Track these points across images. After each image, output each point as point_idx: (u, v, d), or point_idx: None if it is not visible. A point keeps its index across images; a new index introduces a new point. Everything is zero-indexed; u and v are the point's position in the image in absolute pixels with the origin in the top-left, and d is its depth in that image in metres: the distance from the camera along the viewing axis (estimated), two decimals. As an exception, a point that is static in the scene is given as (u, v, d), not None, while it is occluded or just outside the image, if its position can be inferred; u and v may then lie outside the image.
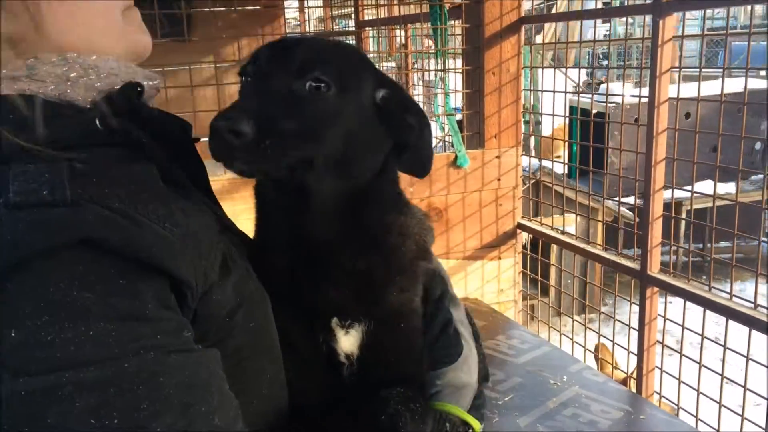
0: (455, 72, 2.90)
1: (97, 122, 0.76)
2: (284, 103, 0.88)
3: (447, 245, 2.90)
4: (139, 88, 0.83)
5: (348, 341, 0.99)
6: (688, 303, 2.19)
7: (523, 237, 3.10)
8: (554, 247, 4.10)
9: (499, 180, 2.91)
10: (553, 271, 4.05)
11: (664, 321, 2.34)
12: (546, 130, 5.35)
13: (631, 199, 3.19)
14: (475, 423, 1.05)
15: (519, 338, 2.48)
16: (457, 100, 3.05)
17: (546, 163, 4.23)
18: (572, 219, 4.40)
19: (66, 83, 0.75)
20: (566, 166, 5.77)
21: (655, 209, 2.22)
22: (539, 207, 3.44)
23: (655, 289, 2.29)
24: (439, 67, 2.81)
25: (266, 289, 0.92)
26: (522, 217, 3.01)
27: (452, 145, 2.83)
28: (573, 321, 3.06)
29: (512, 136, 2.89)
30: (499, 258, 2.99)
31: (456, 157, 2.81)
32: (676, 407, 2.29)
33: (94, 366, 0.63)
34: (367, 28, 4.80)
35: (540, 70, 4.10)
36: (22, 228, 0.63)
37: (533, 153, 6.48)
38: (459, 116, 2.97)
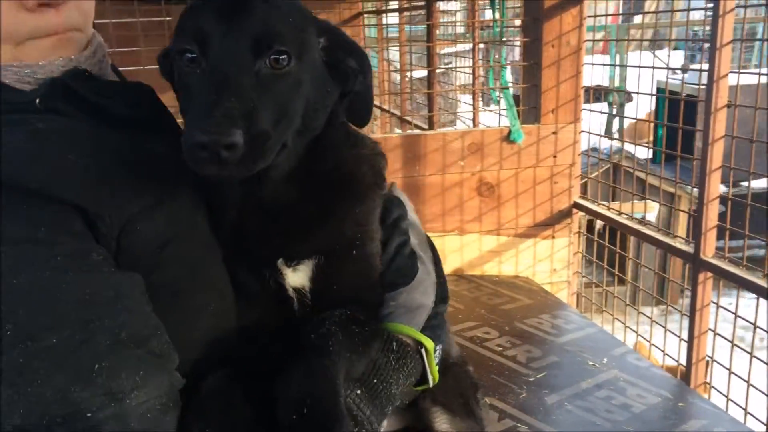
0: (512, 45, 2.82)
1: (37, 102, 0.86)
2: (255, 92, 0.82)
3: (498, 221, 2.85)
4: (86, 73, 0.92)
5: (296, 277, 0.99)
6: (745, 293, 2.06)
7: (598, 224, 2.99)
8: (632, 238, 3.94)
9: (555, 157, 2.82)
10: (630, 262, 3.89)
11: (717, 310, 2.22)
12: (636, 113, 5.13)
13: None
14: (427, 341, 1.02)
15: (564, 318, 2.42)
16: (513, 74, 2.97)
17: (628, 147, 4.05)
18: (653, 206, 4.20)
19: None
20: (651, 151, 5.51)
21: (710, 191, 2.10)
22: (617, 192, 3.29)
23: (708, 274, 2.17)
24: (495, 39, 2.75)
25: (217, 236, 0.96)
26: (580, 196, 2.91)
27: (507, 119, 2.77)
28: (638, 313, 2.92)
29: (570, 111, 2.79)
30: (553, 237, 2.90)
31: (509, 132, 2.75)
32: (726, 399, 2.17)
33: None
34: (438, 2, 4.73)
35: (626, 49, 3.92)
36: None
37: (616, 136, 6.24)
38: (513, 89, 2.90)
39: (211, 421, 0.82)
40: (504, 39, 2.73)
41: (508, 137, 2.76)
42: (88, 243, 0.79)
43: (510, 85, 2.83)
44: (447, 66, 4.82)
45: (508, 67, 2.80)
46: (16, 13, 0.84)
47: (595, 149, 4.10)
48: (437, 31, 4.58)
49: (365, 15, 5.55)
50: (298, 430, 0.79)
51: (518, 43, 2.75)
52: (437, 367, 1.06)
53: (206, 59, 0.85)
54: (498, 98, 2.84)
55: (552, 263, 2.93)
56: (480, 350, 2.13)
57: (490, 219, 2.84)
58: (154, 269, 0.86)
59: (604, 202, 2.97)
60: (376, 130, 5.25)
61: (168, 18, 4.80)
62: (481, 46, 4.10)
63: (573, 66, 2.75)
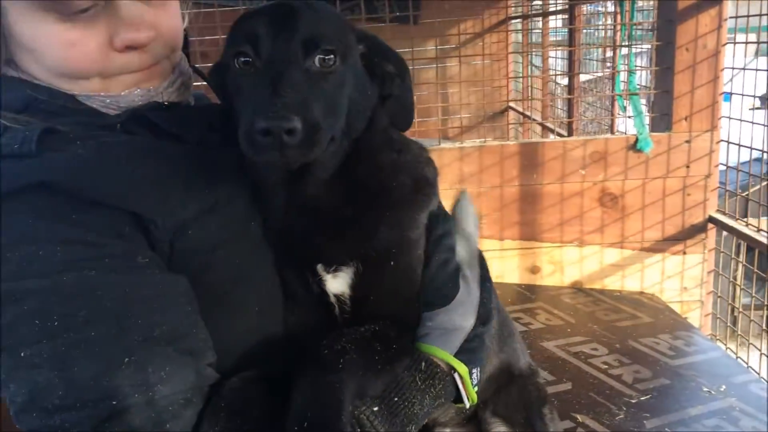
0: (640, 48, 2.69)
1: (118, 126, 0.98)
2: (307, 87, 0.88)
3: (622, 233, 2.72)
4: (164, 104, 1.04)
5: (336, 283, 1.02)
6: None
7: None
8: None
9: (688, 167, 2.64)
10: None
11: None
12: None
13: None
14: (460, 367, 1.00)
15: (686, 340, 2.27)
16: (642, 79, 2.82)
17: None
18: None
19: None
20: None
21: None
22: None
23: None
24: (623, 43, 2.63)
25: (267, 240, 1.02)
26: (717, 210, 2.70)
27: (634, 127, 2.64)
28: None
29: (707, 119, 2.60)
30: (684, 253, 2.72)
31: (636, 140, 2.62)
32: None
33: (40, 278, 0.79)
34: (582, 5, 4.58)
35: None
36: None
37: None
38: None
39: (221, 419, 0.86)
40: (630, 43, 2.60)
41: (634, 146, 2.63)
42: (136, 246, 0.88)
43: (638, 90, 2.70)
44: (593, 72, 4.64)
45: (637, 72, 2.66)
46: (107, 52, 0.97)
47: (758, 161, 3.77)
48: (581, 35, 4.45)
49: (512, 20, 5.51)
50: None
51: (647, 47, 2.61)
52: (475, 390, 1.04)
53: (260, 59, 0.91)
54: (625, 105, 2.71)
55: (682, 281, 2.75)
56: (582, 366, 2.06)
57: (613, 231, 2.72)
58: (204, 270, 0.94)
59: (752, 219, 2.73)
60: (519, 136, 5.20)
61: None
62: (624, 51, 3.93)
63: (710, 71, 2.56)
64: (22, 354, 0.79)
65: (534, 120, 5.03)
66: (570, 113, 4.24)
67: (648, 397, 1.88)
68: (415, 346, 1.02)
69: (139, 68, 1.01)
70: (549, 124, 4.24)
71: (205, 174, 0.98)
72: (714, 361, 2.12)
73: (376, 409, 0.92)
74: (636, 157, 2.65)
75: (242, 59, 0.93)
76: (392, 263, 1.03)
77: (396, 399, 0.95)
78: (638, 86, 2.71)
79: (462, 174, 2.70)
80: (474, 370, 1.04)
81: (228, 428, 0.86)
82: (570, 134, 3.69)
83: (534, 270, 2.77)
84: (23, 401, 0.80)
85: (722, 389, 1.93)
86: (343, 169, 1.00)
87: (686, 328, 2.38)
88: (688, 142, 2.62)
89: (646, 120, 2.66)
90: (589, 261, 2.75)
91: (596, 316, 2.46)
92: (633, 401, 1.85)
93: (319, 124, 0.87)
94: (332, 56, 0.92)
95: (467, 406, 1.05)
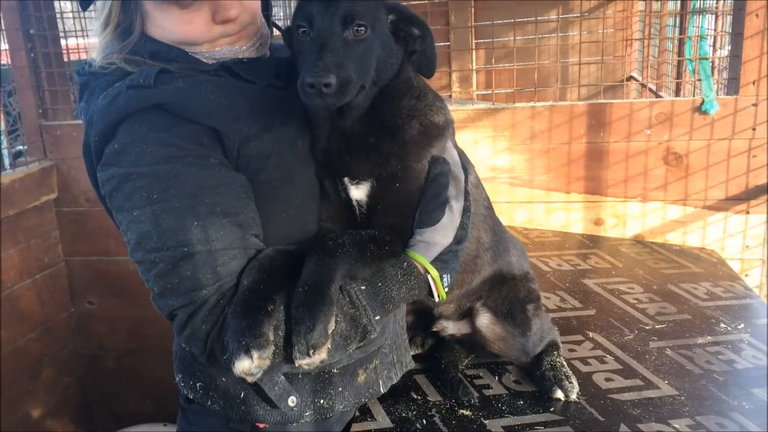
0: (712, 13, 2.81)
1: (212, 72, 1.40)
2: (343, 51, 1.22)
3: (685, 191, 2.88)
4: (243, 59, 1.44)
5: (357, 192, 1.37)
6: None
7: None
8: None
9: (754, 129, 2.75)
10: None
11: None
12: None
13: None
14: (433, 271, 1.34)
15: (725, 288, 2.44)
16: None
17: None
18: None
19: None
20: None
21: None
22: None
23: None
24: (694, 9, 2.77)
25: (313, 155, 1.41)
26: (785, 173, 2.79)
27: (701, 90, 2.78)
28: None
29: (776, 83, 2.70)
30: (747, 212, 2.84)
31: (702, 102, 2.77)
32: None
33: (147, 166, 1.24)
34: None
35: None
36: (126, 98, 1.27)
37: None
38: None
39: (254, 272, 1.23)
40: (700, 9, 2.74)
41: (700, 108, 2.78)
42: (211, 151, 1.29)
43: (708, 56, 2.83)
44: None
45: (708, 37, 2.79)
46: (211, 26, 1.39)
47: None
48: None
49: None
50: (299, 296, 1.19)
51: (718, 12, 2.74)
52: (445, 290, 1.38)
53: (313, 31, 1.29)
54: (695, 69, 2.85)
55: (745, 239, 2.87)
56: (612, 299, 2.31)
57: (676, 188, 2.89)
58: (260, 171, 1.35)
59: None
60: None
61: None
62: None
63: (781, 36, 2.65)
64: (134, 213, 1.25)
65: (650, 89, 5.07)
66: (679, 75, 4.29)
67: (663, 326, 2.11)
68: (403, 251, 1.37)
69: (232, 34, 1.44)
70: (663, 94, 4.31)
71: (266, 105, 1.39)
72: (745, 306, 2.28)
73: (363, 288, 1.30)
74: (701, 119, 2.79)
75: (301, 30, 1.29)
76: (397, 185, 1.36)
77: (380, 284, 1.31)
78: (707, 51, 2.83)
79: (533, 131, 2.98)
80: (445, 276, 1.37)
81: (257, 279, 1.22)
82: (678, 95, 3.77)
83: (598, 222, 3.00)
84: (134, 243, 1.26)
85: (740, 327, 2.11)
86: (373, 108, 1.36)
87: (732, 279, 2.53)
88: (755, 105, 2.73)
89: (714, 84, 2.79)
90: (652, 216, 2.94)
91: (646, 263, 2.68)
92: (647, 328, 2.10)
93: (350, 77, 1.23)
94: (363, 28, 1.26)
95: (437, 300, 1.39)
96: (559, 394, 1.64)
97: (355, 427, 1.53)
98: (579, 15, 5.48)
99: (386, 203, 1.37)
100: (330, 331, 1.19)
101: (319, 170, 1.42)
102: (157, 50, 1.39)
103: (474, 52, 5.32)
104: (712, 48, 3.44)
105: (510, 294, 1.68)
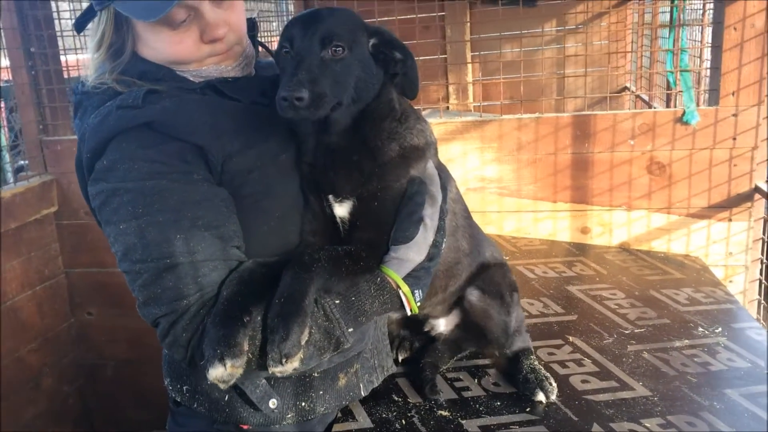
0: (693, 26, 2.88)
1: (198, 90, 1.47)
2: (319, 69, 1.31)
3: (669, 200, 2.95)
4: (228, 78, 1.52)
5: (341, 209, 1.44)
6: None
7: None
8: None
9: (734, 139, 2.83)
10: None
11: None
12: None
13: None
14: (403, 285, 1.40)
15: (706, 293, 2.49)
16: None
17: None
18: None
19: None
20: None
21: None
22: None
23: None
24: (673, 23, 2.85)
25: (299, 170, 1.48)
26: (766, 181, 2.86)
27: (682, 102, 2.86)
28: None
29: (754, 94, 2.77)
30: (730, 220, 2.91)
31: (683, 113, 2.84)
32: None
33: (133, 182, 1.31)
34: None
35: None
36: (116, 118, 1.35)
37: None
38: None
39: (233, 284, 1.30)
40: (679, 23, 2.82)
41: (681, 119, 2.85)
42: (194, 167, 1.36)
43: (689, 68, 2.90)
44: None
45: (690, 49, 2.87)
46: (199, 45, 1.47)
47: None
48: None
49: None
50: (275, 307, 1.26)
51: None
52: (417, 304, 1.45)
53: (293, 50, 1.37)
54: (675, 81, 2.93)
55: (728, 246, 2.94)
56: (594, 304, 2.38)
57: (660, 197, 2.96)
58: (243, 185, 1.42)
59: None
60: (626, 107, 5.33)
61: (442, 13, 5.54)
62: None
63: (758, 49, 2.73)
64: (121, 226, 1.32)
65: (642, 99, 5.15)
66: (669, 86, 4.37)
67: (642, 330, 2.17)
68: (378, 267, 1.42)
69: (219, 53, 1.52)
70: (656, 105, 4.39)
71: (249, 122, 1.47)
72: (725, 310, 2.34)
73: (337, 302, 1.36)
74: (683, 129, 2.87)
75: (284, 50, 1.39)
76: (376, 203, 1.44)
77: (353, 298, 1.38)
78: (687, 64, 2.91)
79: (520, 142, 3.06)
80: (416, 291, 1.44)
81: (235, 291, 1.29)
82: (668, 106, 3.84)
83: (584, 230, 3.07)
84: (121, 255, 1.34)
85: (717, 330, 2.17)
86: (356, 127, 1.43)
87: (713, 285, 2.59)
88: (734, 115, 2.80)
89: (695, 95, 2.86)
90: (637, 224, 3.01)
91: (630, 270, 2.74)
92: (626, 332, 2.16)
93: (324, 93, 1.31)
94: (341, 48, 1.34)
95: (409, 313, 1.47)
96: (541, 396, 1.71)
97: (336, 427, 1.60)
98: (574, 27, 5.58)
99: (365, 220, 1.45)
100: (303, 342, 1.25)
101: (305, 185, 1.49)
102: (146, 70, 1.47)
103: (470, 65, 5.43)
104: (699, 59, 3.53)
105: (495, 277, 1.79)
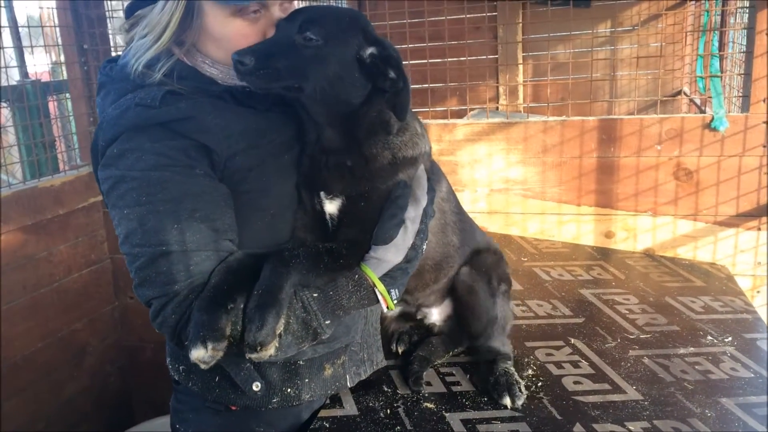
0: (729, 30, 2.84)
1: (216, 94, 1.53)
2: (283, 48, 1.38)
3: (695, 206, 2.91)
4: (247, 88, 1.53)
5: (331, 206, 1.51)
6: None
7: None
8: None
9: (765, 147, 2.77)
10: None
11: None
12: None
13: None
14: (379, 284, 1.47)
15: (724, 302, 2.45)
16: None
17: None
18: None
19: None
20: None
21: None
22: None
23: None
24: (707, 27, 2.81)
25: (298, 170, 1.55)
26: (799, 190, 2.79)
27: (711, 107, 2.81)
28: None
29: (787, 101, 2.71)
30: (759, 229, 2.85)
31: (712, 119, 2.80)
32: None
33: (140, 171, 1.40)
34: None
35: None
36: (133, 114, 1.44)
37: None
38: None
39: (221, 273, 1.39)
40: (712, 28, 2.77)
41: (710, 125, 2.81)
42: (197, 163, 1.44)
43: (720, 74, 2.85)
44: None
45: (722, 55, 2.82)
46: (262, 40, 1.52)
47: None
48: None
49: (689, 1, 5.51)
50: (253, 298, 1.34)
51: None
52: (394, 301, 1.51)
53: (276, 30, 1.46)
54: (705, 86, 2.88)
55: (756, 255, 2.87)
56: (604, 309, 2.38)
57: (686, 203, 2.92)
58: (242, 182, 1.50)
59: None
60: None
61: (494, 13, 5.55)
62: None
63: (791, 55, 2.67)
64: (125, 211, 1.43)
65: (695, 103, 5.05)
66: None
67: (647, 336, 2.17)
68: (357, 265, 1.49)
69: None
70: (708, 109, 4.30)
71: (258, 125, 1.54)
72: (739, 320, 2.30)
73: (315, 295, 1.43)
74: (711, 136, 2.82)
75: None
76: (362, 204, 1.50)
77: (331, 293, 1.45)
78: (718, 69, 2.86)
79: (545, 145, 3.07)
80: (393, 290, 1.50)
81: (223, 279, 1.37)
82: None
83: (608, 235, 3.06)
84: (122, 237, 1.44)
85: (727, 340, 2.15)
86: (348, 130, 1.49)
87: (735, 294, 2.55)
88: (765, 122, 2.74)
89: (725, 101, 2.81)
90: (662, 230, 2.98)
91: (650, 276, 2.72)
92: (631, 337, 2.16)
93: (271, 66, 1.37)
94: (314, 37, 1.40)
95: (385, 310, 1.54)
96: (507, 401, 1.72)
97: (322, 413, 1.68)
98: (630, 28, 5.49)
99: (350, 218, 1.52)
100: (278, 331, 1.34)
101: (301, 181, 1.57)
102: (173, 67, 1.53)
103: (521, 66, 5.42)
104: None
105: (486, 260, 1.87)
